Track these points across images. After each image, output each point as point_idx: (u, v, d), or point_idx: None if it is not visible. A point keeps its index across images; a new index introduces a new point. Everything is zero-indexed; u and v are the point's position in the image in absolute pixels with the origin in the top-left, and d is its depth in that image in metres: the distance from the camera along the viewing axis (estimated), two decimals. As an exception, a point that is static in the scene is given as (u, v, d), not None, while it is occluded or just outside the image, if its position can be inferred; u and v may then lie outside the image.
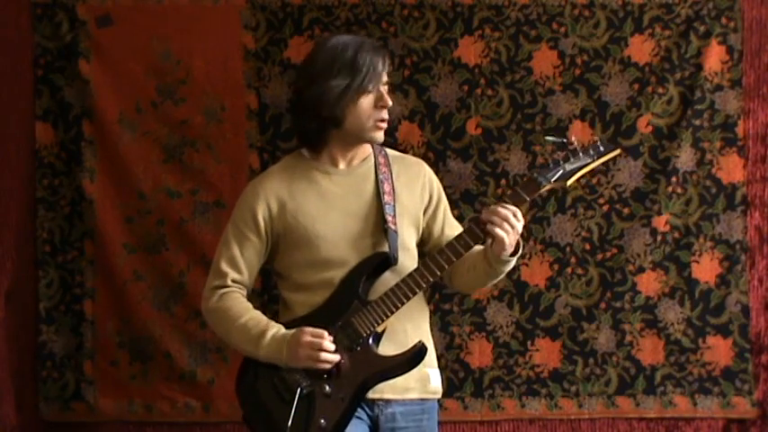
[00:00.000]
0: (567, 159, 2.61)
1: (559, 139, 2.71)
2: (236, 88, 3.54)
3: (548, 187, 2.60)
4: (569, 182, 2.62)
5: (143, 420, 3.53)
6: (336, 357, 2.55)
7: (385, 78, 2.67)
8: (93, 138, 3.53)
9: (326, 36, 2.82)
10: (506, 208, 2.52)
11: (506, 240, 2.52)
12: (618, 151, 2.70)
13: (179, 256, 3.53)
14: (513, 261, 2.60)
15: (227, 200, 3.52)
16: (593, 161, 2.63)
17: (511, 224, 2.51)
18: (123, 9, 3.52)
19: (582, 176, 2.65)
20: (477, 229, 2.56)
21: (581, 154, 2.62)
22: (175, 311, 3.53)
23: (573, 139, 2.64)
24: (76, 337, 3.53)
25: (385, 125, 2.68)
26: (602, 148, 2.64)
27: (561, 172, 2.60)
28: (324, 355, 2.54)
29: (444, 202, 2.81)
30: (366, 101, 2.64)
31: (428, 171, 2.83)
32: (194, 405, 3.53)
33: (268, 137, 3.54)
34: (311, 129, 2.69)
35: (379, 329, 2.60)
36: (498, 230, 2.51)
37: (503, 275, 2.66)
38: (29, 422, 3.53)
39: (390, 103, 2.67)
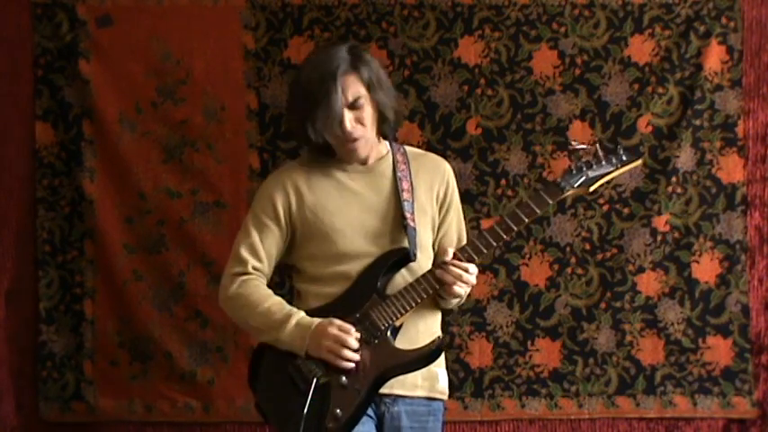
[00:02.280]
0: (589, 166, 2.64)
1: (583, 146, 2.72)
2: (236, 88, 3.54)
3: (570, 192, 2.63)
4: (591, 188, 2.64)
5: (143, 420, 3.53)
6: (356, 357, 2.54)
7: (347, 100, 2.59)
8: (93, 138, 3.53)
9: (306, 59, 2.81)
10: (459, 266, 2.58)
11: (462, 293, 2.63)
12: (640, 162, 2.73)
13: (179, 256, 3.53)
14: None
15: (227, 200, 3.52)
16: (616, 169, 2.66)
17: (464, 281, 2.59)
18: (123, 9, 3.52)
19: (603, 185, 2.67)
20: (432, 279, 2.61)
21: (603, 161, 2.65)
22: (175, 311, 3.53)
23: (597, 146, 2.66)
24: (76, 337, 3.53)
25: (356, 144, 2.64)
26: (624, 157, 2.66)
27: (584, 178, 2.63)
28: (345, 352, 2.53)
29: (456, 206, 2.79)
30: (328, 128, 2.61)
31: (448, 170, 2.80)
32: (194, 405, 3.53)
33: (268, 137, 3.54)
34: (309, 143, 2.69)
35: (397, 324, 2.61)
36: (456, 288, 2.59)
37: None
38: (29, 422, 3.52)
39: (349, 127, 2.60)
